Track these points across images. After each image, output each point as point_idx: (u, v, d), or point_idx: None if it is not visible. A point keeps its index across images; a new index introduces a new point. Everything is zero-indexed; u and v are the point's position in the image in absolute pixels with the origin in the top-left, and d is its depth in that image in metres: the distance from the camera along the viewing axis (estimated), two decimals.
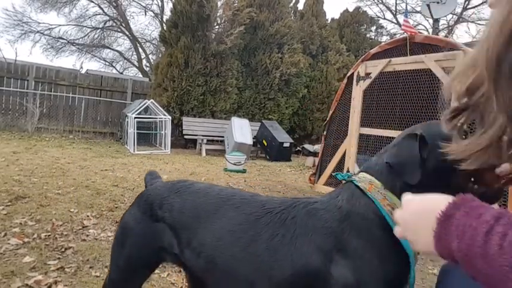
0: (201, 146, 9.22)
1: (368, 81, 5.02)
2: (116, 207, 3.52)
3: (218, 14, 10.39)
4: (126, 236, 1.19)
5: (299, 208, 0.98)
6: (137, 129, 8.65)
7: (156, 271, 2.17)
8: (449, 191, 0.72)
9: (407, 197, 0.74)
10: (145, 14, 21.27)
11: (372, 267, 0.87)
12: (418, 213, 0.68)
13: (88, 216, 3.15)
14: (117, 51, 21.35)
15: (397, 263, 0.89)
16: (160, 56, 15.16)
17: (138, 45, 19.50)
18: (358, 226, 0.91)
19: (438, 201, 0.64)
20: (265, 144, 9.28)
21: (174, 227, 1.10)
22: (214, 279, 1.05)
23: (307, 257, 0.90)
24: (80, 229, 2.83)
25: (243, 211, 1.03)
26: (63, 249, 2.41)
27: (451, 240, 0.59)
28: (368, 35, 14.62)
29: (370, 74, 5.00)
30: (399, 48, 4.72)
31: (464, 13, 18.54)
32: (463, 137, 0.83)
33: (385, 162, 0.94)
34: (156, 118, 9.35)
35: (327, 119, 5.75)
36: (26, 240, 2.49)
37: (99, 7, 18.36)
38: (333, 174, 4.81)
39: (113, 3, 17.82)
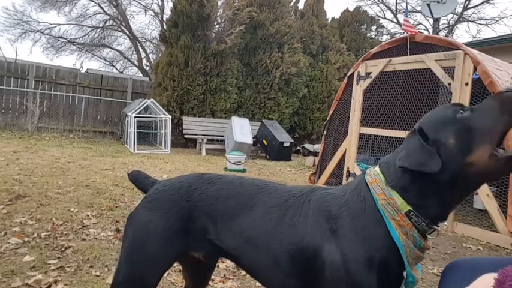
0: (201, 145, 9.22)
1: (368, 81, 5.01)
2: (116, 207, 3.52)
3: (218, 14, 10.38)
4: (147, 231, 1.19)
5: (315, 193, 1.11)
6: (137, 129, 8.65)
7: None
8: (472, 168, 0.88)
9: None
10: (146, 13, 21.28)
11: (356, 249, 0.96)
12: None
13: (88, 215, 3.15)
14: (117, 50, 21.35)
15: (384, 251, 0.96)
16: (160, 55, 15.15)
17: (138, 44, 19.49)
18: (352, 212, 1.01)
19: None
20: (266, 143, 9.28)
21: (211, 214, 1.18)
22: (247, 255, 1.15)
23: (313, 234, 1.02)
24: (80, 228, 2.83)
25: (274, 196, 1.15)
26: (63, 249, 2.41)
27: None
28: (368, 35, 14.61)
29: (370, 73, 5.00)
30: (399, 47, 4.72)
31: (464, 13, 18.53)
32: None
33: (398, 167, 0.99)
34: (156, 117, 9.34)
35: (327, 118, 5.74)
36: (26, 239, 2.49)
37: (99, 6, 18.35)
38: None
39: (113, 2, 17.81)
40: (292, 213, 1.09)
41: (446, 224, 3.91)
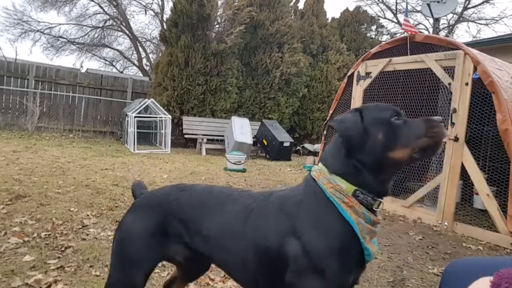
0: (201, 145, 9.21)
1: (368, 81, 5.01)
2: (116, 207, 3.52)
3: (218, 13, 10.37)
4: (131, 234, 1.32)
5: (274, 195, 1.22)
6: (137, 129, 8.65)
7: (157, 270, 2.18)
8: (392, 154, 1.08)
9: None
10: (146, 13, 21.28)
11: (316, 239, 1.06)
12: None
13: (88, 215, 3.15)
14: (117, 50, 21.34)
15: (340, 233, 1.07)
16: (160, 55, 15.15)
17: (138, 44, 19.48)
18: (307, 207, 1.12)
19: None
20: (266, 143, 9.28)
21: (184, 219, 1.29)
22: (219, 257, 1.27)
23: (275, 232, 1.12)
24: (80, 228, 2.83)
25: (239, 202, 1.25)
26: (63, 248, 2.41)
27: None
28: (368, 35, 14.60)
29: (370, 73, 5.00)
30: (399, 47, 4.71)
31: (464, 12, 18.52)
32: None
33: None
34: (156, 117, 9.34)
35: (327, 118, 5.74)
36: (26, 239, 2.49)
37: (99, 6, 18.34)
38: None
39: (113, 2, 17.80)
40: (255, 216, 1.18)
41: (446, 223, 3.91)
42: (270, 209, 1.18)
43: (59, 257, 2.27)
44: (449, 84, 4.04)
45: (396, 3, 18.92)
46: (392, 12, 19.58)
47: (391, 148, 1.10)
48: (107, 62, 22.47)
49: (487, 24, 19.02)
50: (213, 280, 2.18)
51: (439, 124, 1.12)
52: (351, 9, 14.43)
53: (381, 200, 1.14)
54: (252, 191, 1.33)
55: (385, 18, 19.84)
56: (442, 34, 17.73)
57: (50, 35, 18.67)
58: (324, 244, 1.06)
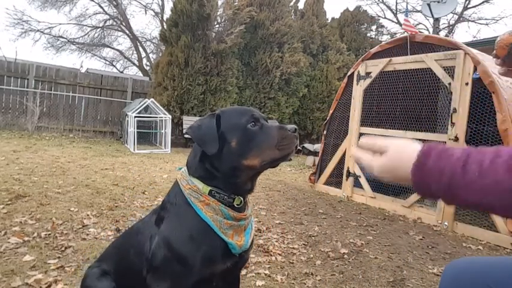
0: None
1: (368, 81, 5.01)
2: (116, 206, 3.52)
3: (218, 13, 10.37)
4: None
5: (162, 204, 1.33)
6: (137, 128, 8.65)
7: None
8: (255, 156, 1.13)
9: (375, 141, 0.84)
10: (146, 13, 21.28)
11: (176, 234, 1.17)
12: (394, 164, 0.78)
13: (88, 215, 3.15)
14: (117, 50, 21.36)
15: (196, 228, 1.16)
16: (160, 55, 15.15)
17: (138, 44, 19.50)
18: (172, 208, 1.23)
19: (409, 154, 0.75)
20: None
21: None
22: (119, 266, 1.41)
23: (150, 233, 1.25)
24: (80, 228, 2.83)
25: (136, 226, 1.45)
26: (63, 248, 2.41)
27: (430, 184, 0.71)
28: (368, 34, 14.60)
29: (370, 73, 5.00)
30: (399, 47, 4.71)
31: (464, 12, 18.53)
32: None
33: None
34: (156, 117, 9.34)
35: (327, 118, 5.74)
36: (26, 239, 2.49)
37: (100, 6, 18.36)
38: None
39: (113, 2, 17.81)
40: (140, 229, 1.33)
41: (446, 223, 3.91)
42: (153, 216, 1.31)
43: (59, 257, 2.27)
44: (449, 84, 4.04)
45: (396, 3, 18.96)
46: (393, 12, 19.59)
47: (244, 156, 1.14)
48: (107, 62, 22.50)
49: (487, 24, 19.06)
50: None
51: (292, 135, 1.15)
52: (351, 9, 14.44)
53: (240, 197, 1.21)
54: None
55: (385, 18, 19.86)
56: (442, 34, 17.73)
57: (50, 34, 18.71)
58: (182, 236, 1.16)
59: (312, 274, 2.40)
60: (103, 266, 1.43)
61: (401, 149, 0.78)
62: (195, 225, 1.17)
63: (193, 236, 1.16)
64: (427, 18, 17.29)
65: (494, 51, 1.03)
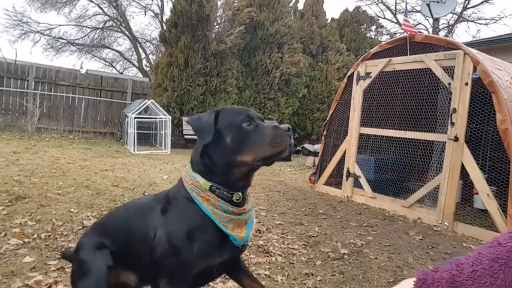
0: None
1: (368, 81, 5.01)
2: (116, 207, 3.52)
3: (218, 14, 10.37)
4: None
5: (160, 195, 1.40)
6: (137, 129, 8.64)
7: None
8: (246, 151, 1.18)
9: None
10: (145, 14, 21.29)
11: (177, 227, 1.23)
12: None
13: (88, 216, 3.15)
14: (117, 51, 21.37)
15: (198, 221, 1.22)
16: (160, 55, 15.15)
17: (138, 45, 19.51)
18: (175, 202, 1.29)
19: None
20: None
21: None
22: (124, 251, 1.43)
23: (154, 225, 1.28)
24: (80, 229, 2.83)
25: (132, 207, 1.51)
26: (63, 249, 2.41)
27: None
28: (368, 35, 14.61)
29: (370, 73, 5.00)
30: (399, 47, 4.71)
31: (464, 12, 18.54)
32: None
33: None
34: (156, 118, 9.34)
35: (327, 118, 5.74)
36: (26, 240, 2.49)
37: (99, 7, 18.38)
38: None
39: (113, 3, 17.82)
40: (145, 215, 1.36)
41: (446, 224, 3.91)
42: (157, 207, 1.34)
43: (59, 258, 2.27)
44: (449, 84, 4.04)
45: (396, 3, 18.96)
46: (392, 13, 19.60)
47: (237, 152, 1.21)
48: (107, 63, 22.51)
49: (486, 24, 19.08)
50: (213, 280, 2.17)
51: (284, 133, 1.20)
52: (351, 9, 14.45)
53: (239, 192, 1.27)
54: (151, 195, 1.52)
55: (384, 18, 19.88)
56: (442, 34, 17.74)
57: (49, 36, 18.71)
58: (183, 230, 1.22)
59: (312, 274, 2.40)
60: (101, 238, 1.44)
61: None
62: (197, 219, 1.23)
63: (196, 230, 1.22)
64: (427, 18, 17.30)
65: None
